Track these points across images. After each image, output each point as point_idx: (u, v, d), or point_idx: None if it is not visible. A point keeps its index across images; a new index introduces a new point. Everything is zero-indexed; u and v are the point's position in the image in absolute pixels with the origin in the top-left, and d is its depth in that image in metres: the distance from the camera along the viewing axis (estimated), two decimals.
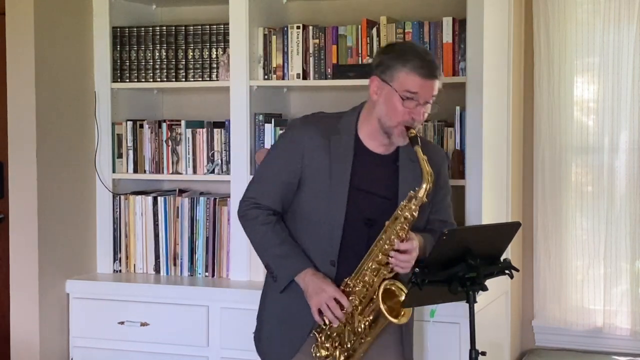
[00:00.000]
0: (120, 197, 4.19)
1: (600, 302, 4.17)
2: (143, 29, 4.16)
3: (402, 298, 2.79)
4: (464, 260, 2.71)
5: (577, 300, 4.21)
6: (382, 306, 2.74)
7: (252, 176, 3.12)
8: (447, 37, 3.73)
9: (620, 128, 4.10)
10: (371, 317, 2.81)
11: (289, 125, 2.95)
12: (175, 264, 4.14)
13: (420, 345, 3.54)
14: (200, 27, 4.08)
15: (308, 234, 2.89)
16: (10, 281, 3.96)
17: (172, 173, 4.14)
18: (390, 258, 2.77)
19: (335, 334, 2.83)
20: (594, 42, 4.11)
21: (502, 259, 2.82)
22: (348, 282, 2.82)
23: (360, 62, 3.83)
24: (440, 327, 3.48)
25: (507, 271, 2.81)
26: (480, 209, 3.60)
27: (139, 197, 4.18)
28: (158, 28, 4.15)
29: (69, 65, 4.04)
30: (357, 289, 2.80)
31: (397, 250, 2.76)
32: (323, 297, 2.78)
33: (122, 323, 3.95)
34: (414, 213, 2.75)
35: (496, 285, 3.06)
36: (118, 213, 4.19)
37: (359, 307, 2.81)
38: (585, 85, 4.17)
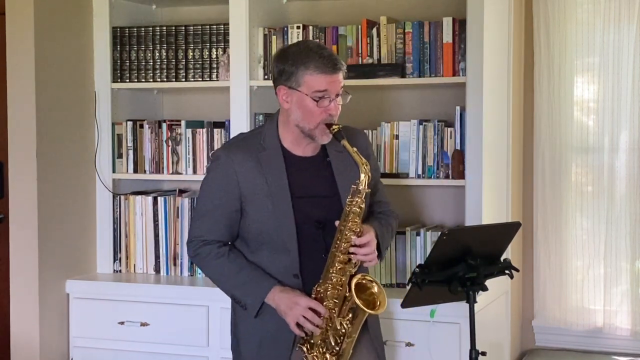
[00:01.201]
0: (120, 197, 4.19)
1: (600, 302, 4.17)
2: (143, 29, 4.16)
3: (375, 289, 2.80)
4: (464, 260, 2.72)
5: (577, 300, 4.21)
6: (357, 301, 2.74)
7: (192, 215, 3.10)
8: (447, 37, 3.73)
9: (620, 128, 4.10)
10: (350, 315, 2.81)
11: (214, 156, 2.94)
12: (175, 264, 4.14)
13: (420, 345, 3.54)
14: (200, 27, 4.08)
15: (264, 254, 2.88)
16: (10, 281, 3.96)
17: (172, 173, 4.14)
18: (351, 255, 2.77)
19: (320, 341, 2.83)
20: (594, 42, 4.11)
21: (502, 259, 2.83)
22: (318, 288, 2.82)
23: (360, 62, 3.84)
24: (440, 327, 3.48)
25: (507, 271, 2.82)
26: (480, 209, 3.60)
27: (139, 197, 4.18)
28: (158, 28, 4.15)
29: (69, 65, 4.04)
30: (328, 292, 2.80)
31: (356, 246, 2.77)
32: (298, 310, 2.78)
33: (122, 323, 3.95)
34: (361, 205, 2.76)
35: (496, 285, 3.06)
36: (118, 213, 4.19)
37: (336, 309, 2.81)
38: (585, 85, 4.17)
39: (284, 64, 2.81)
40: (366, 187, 2.76)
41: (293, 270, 2.86)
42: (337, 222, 2.78)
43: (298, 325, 2.79)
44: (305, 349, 2.84)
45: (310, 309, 2.78)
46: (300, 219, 2.85)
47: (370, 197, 2.96)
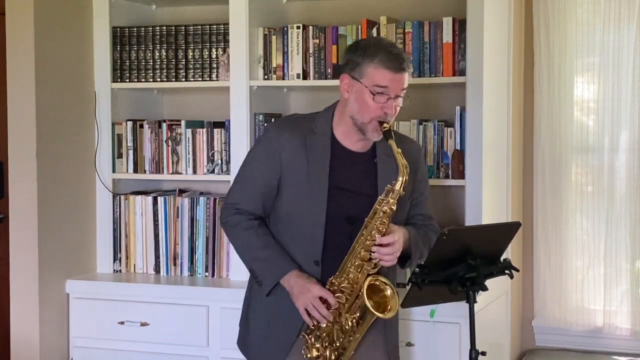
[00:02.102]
0: (120, 197, 4.19)
1: (600, 302, 4.17)
2: (143, 29, 4.16)
3: (388, 292, 2.80)
4: (464, 260, 2.71)
5: (577, 300, 4.21)
6: (367, 302, 2.74)
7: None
8: (447, 37, 3.73)
9: (620, 128, 4.10)
10: (358, 314, 2.82)
11: (265, 129, 2.97)
12: (175, 264, 4.14)
13: (421, 345, 3.54)
14: (200, 27, 4.08)
15: (290, 235, 2.90)
16: (10, 281, 3.96)
17: (172, 173, 4.14)
18: (372, 253, 2.77)
19: (324, 334, 2.84)
20: (594, 42, 4.11)
21: (502, 259, 2.83)
22: (333, 280, 2.82)
23: None
24: (440, 327, 3.48)
25: (507, 271, 2.81)
26: (480, 209, 3.60)
27: (139, 197, 4.18)
28: (158, 28, 4.15)
29: (69, 65, 4.04)
30: (342, 286, 2.81)
31: (379, 245, 2.76)
32: (308, 297, 2.79)
33: (122, 323, 3.95)
34: (392, 207, 2.76)
35: (496, 285, 3.06)
36: (118, 213, 4.19)
37: (346, 305, 2.81)
38: (585, 85, 4.17)
39: (353, 54, 2.82)
40: (401, 189, 2.75)
41: (314, 257, 2.86)
42: (366, 218, 2.78)
43: (307, 313, 2.80)
44: (308, 338, 2.84)
45: (321, 298, 2.78)
46: (332, 209, 2.85)
47: (412, 208, 2.99)
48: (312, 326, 2.84)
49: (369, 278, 2.79)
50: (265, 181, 2.90)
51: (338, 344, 2.83)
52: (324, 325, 2.81)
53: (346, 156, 2.90)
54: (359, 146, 2.90)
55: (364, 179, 2.90)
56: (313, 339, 2.85)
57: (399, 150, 2.76)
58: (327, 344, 2.84)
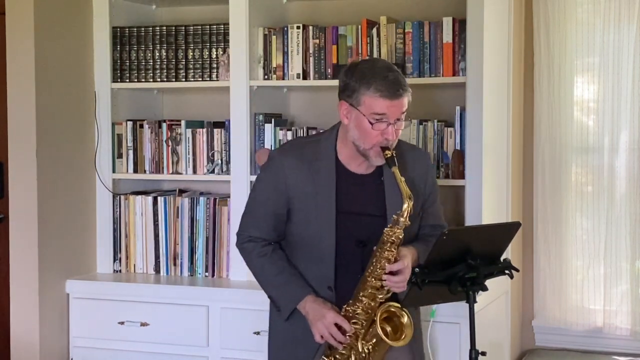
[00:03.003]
0: (120, 197, 4.19)
1: (600, 302, 4.17)
2: (143, 29, 4.16)
3: (404, 319, 2.80)
4: (464, 260, 2.71)
5: (577, 300, 4.21)
6: (380, 332, 2.75)
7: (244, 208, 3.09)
8: (447, 37, 3.73)
9: (620, 128, 4.10)
10: (373, 341, 2.81)
11: (269, 157, 2.96)
12: (175, 264, 4.14)
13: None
14: (200, 27, 4.08)
15: (303, 259, 2.91)
16: (10, 281, 3.96)
17: (172, 173, 4.14)
18: (384, 281, 2.77)
19: (344, 358, 2.83)
20: (594, 42, 4.11)
21: (502, 259, 2.83)
22: (347, 308, 2.82)
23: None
24: (440, 327, 3.48)
25: (507, 271, 2.81)
26: (480, 209, 3.60)
27: (139, 197, 4.18)
28: (158, 28, 4.15)
29: (69, 65, 4.04)
30: (357, 313, 2.80)
31: (389, 273, 2.76)
32: (324, 323, 2.80)
33: (122, 323, 3.95)
34: (399, 237, 2.75)
35: (496, 285, 3.06)
36: (118, 213, 4.19)
37: (362, 332, 2.81)
38: (585, 85, 4.17)
39: (349, 79, 2.78)
40: (407, 219, 2.74)
41: (328, 282, 2.87)
42: (374, 248, 2.78)
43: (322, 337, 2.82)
44: None
45: (336, 325, 2.79)
46: (341, 234, 2.85)
47: (425, 219, 2.98)
48: (329, 350, 2.85)
49: (384, 306, 2.79)
50: (273, 208, 2.91)
51: None
52: (341, 349, 2.82)
53: (352, 179, 2.88)
54: (364, 168, 2.89)
55: (372, 201, 2.89)
56: None
57: (402, 178, 2.74)
58: None
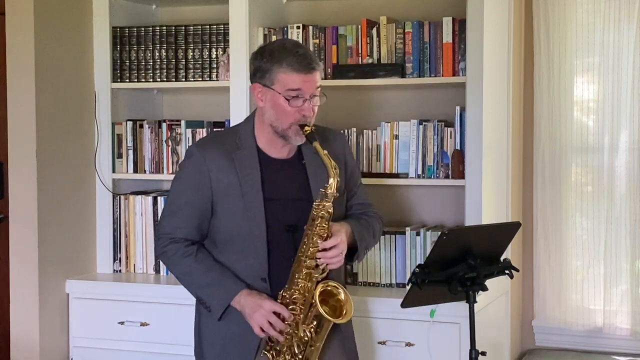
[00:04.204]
0: (120, 197, 4.19)
1: (600, 302, 4.17)
2: (143, 29, 4.16)
3: (342, 296, 2.77)
4: (464, 260, 2.72)
5: (577, 300, 4.21)
6: (321, 310, 2.71)
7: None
8: (447, 37, 3.73)
9: (620, 128, 4.10)
10: (314, 323, 2.78)
11: (188, 153, 2.92)
12: None
13: (420, 345, 3.54)
14: (200, 27, 4.08)
15: (233, 254, 2.86)
16: (10, 281, 3.96)
17: (172, 173, 4.14)
18: (318, 260, 2.74)
19: (285, 348, 2.80)
20: (594, 42, 4.11)
21: (502, 259, 2.83)
22: (283, 294, 2.79)
23: (360, 62, 3.83)
24: (440, 327, 3.48)
25: (507, 271, 2.82)
26: (480, 209, 3.60)
27: (139, 197, 4.18)
28: (158, 28, 4.15)
29: (69, 65, 4.04)
30: (294, 297, 2.77)
31: (323, 249, 2.73)
32: (262, 314, 2.75)
33: (122, 323, 3.95)
34: (329, 210, 2.73)
35: (496, 285, 3.06)
36: (118, 213, 4.19)
37: (301, 316, 2.77)
38: (585, 85, 4.17)
39: (259, 62, 2.78)
40: (334, 191, 2.72)
41: (261, 274, 2.83)
42: (305, 227, 2.76)
43: (262, 330, 2.77)
44: (270, 355, 2.82)
45: (275, 313, 2.75)
46: (271, 221, 2.82)
47: (349, 199, 2.96)
48: (270, 342, 2.81)
49: (320, 285, 2.76)
50: (197, 205, 2.85)
51: (301, 356, 2.80)
52: (282, 340, 2.78)
53: (274, 165, 2.87)
54: (285, 152, 2.88)
55: (297, 185, 2.87)
56: (274, 354, 2.82)
57: (325, 152, 2.73)
58: (289, 357, 2.80)
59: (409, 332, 3.56)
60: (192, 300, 3.88)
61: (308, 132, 2.74)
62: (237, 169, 2.82)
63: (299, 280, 2.76)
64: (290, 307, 2.76)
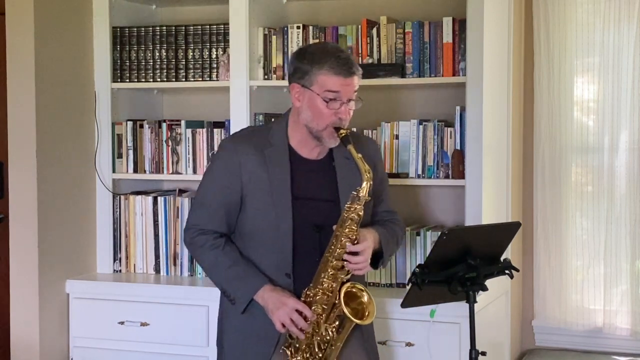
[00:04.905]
0: (120, 197, 4.19)
1: (600, 302, 4.17)
2: (143, 29, 4.16)
3: (365, 298, 2.79)
4: (464, 260, 2.71)
5: (577, 300, 4.21)
6: (345, 310, 2.73)
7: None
8: (447, 37, 3.73)
9: (620, 128, 4.10)
10: (337, 323, 2.80)
11: (221, 146, 2.95)
12: (175, 264, 4.14)
13: (420, 345, 3.54)
14: (200, 27, 4.08)
15: (259, 250, 2.88)
16: (10, 281, 3.96)
17: (172, 173, 4.14)
18: (345, 262, 2.76)
19: (304, 346, 2.82)
20: (594, 42, 4.11)
21: (502, 259, 2.83)
22: (307, 292, 2.81)
23: (360, 62, 3.83)
24: (440, 327, 3.48)
25: (507, 271, 2.82)
26: (480, 209, 3.60)
27: (139, 197, 4.18)
28: (158, 28, 4.15)
29: (69, 65, 4.04)
30: (317, 297, 2.79)
31: (350, 253, 2.75)
32: (285, 311, 2.77)
33: (122, 323, 3.95)
34: (359, 213, 2.75)
35: (496, 285, 3.06)
36: (118, 213, 4.19)
37: (323, 315, 2.79)
38: (585, 85, 4.17)
39: (300, 62, 2.80)
40: (367, 194, 2.74)
41: (285, 269, 2.85)
42: (334, 227, 2.77)
43: (284, 326, 2.79)
44: (289, 352, 2.83)
45: (298, 311, 2.77)
46: (297, 219, 2.84)
47: (376, 206, 2.97)
48: (290, 339, 2.83)
49: (345, 286, 2.77)
50: (227, 198, 2.87)
51: (320, 355, 2.82)
52: (302, 338, 2.80)
53: (304, 165, 2.88)
54: (315, 153, 2.89)
55: (325, 186, 2.89)
56: (293, 351, 2.83)
57: (359, 155, 2.75)
58: (308, 355, 2.82)
59: (409, 332, 3.56)
60: (192, 300, 3.90)
61: (343, 135, 2.76)
62: (268, 165, 2.85)
63: (324, 280, 2.79)
64: (313, 306, 2.79)
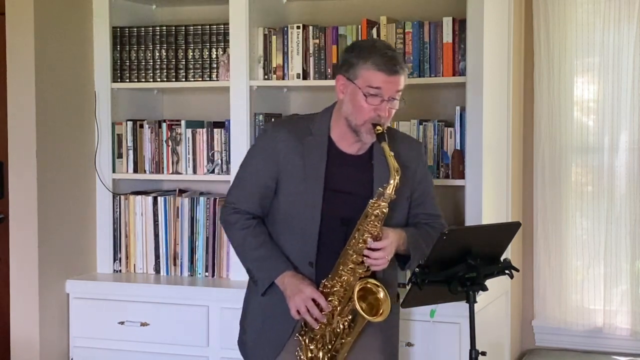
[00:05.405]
0: (120, 197, 4.19)
1: (600, 302, 4.17)
2: (143, 29, 4.16)
3: (381, 295, 2.80)
4: (464, 260, 2.71)
5: (577, 300, 4.21)
6: (357, 306, 2.75)
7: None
8: (447, 37, 3.73)
9: (620, 128, 4.10)
10: (350, 317, 2.82)
11: (262, 129, 2.99)
12: (175, 264, 4.14)
13: (420, 345, 3.54)
14: (200, 27, 4.08)
15: (286, 235, 2.91)
16: (10, 281, 3.96)
17: (172, 173, 4.14)
18: (364, 257, 2.77)
19: (318, 336, 2.85)
20: (594, 42, 4.11)
21: (502, 259, 2.83)
22: (325, 283, 2.83)
23: None
24: (440, 327, 3.48)
25: (507, 271, 2.81)
26: (480, 209, 3.60)
27: (139, 197, 4.18)
28: (158, 28, 4.15)
29: (69, 65, 4.04)
30: (335, 289, 2.81)
31: (370, 249, 2.76)
32: (301, 298, 2.80)
33: (122, 323, 3.95)
34: (383, 210, 2.75)
35: (496, 285, 3.06)
36: (118, 213, 4.19)
37: (338, 308, 2.82)
38: (585, 85, 4.17)
39: (348, 55, 2.82)
40: (392, 192, 2.74)
41: (309, 258, 2.87)
42: (358, 221, 2.79)
43: (299, 313, 2.81)
44: (302, 340, 2.85)
45: (314, 300, 2.79)
46: (327, 211, 2.86)
47: (414, 208, 2.98)
48: (305, 328, 2.85)
49: (361, 282, 2.79)
50: (262, 181, 2.91)
51: (330, 346, 2.84)
52: (316, 327, 2.82)
53: (342, 158, 2.89)
54: (355, 148, 2.90)
55: (360, 181, 2.89)
56: (307, 341, 2.86)
57: (392, 153, 2.75)
58: (320, 346, 2.84)
59: (409, 332, 3.56)
60: (192, 300, 3.90)
61: (379, 131, 2.77)
62: (305, 153, 2.87)
63: (343, 272, 2.80)
64: (330, 297, 2.81)
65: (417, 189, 2.98)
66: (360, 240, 2.77)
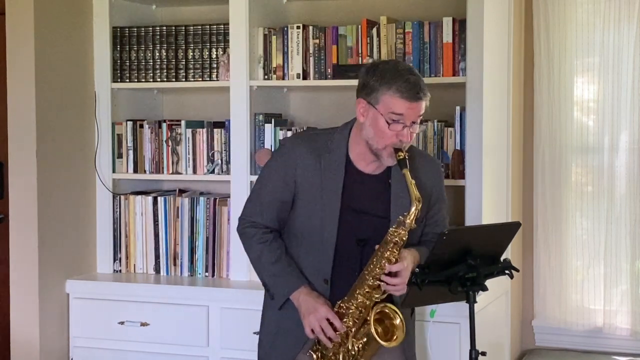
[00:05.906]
0: (120, 197, 4.19)
1: (600, 302, 4.17)
2: (143, 29, 4.16)
3: (397, 321, 2.80)
4: (464, 260, 2.71)
5: (577, 300, 4.21)
6: (373, 331, 2.75)
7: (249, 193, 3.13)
8: (447, 37, 3.73)
9: (620, 128, 4.10)
10: (364, 340, 2.82)
11: (281, 143, 2.97)
12: (175, 264, 4.14)
13: (420, 345, 3.54)
14: (200, 27, 4.08)
15: (302, 251, 2.91)
16: (10, 281, 3.96)
17: (172, 173, 4.14)
18: (381, 282, 2.76)
19: (331, 354, 2.84)
20: (594, 42, 4.11)
21: (502, 259, 2.83)
22: (341, 304, 2.83)
23: (360, 62, 3.83)
24: (440, 327, 3.48)
25: (507, 271, 2.81)
26: (480, 209, 3.60)
27: (139, 197, 4.18)
28: (158, 28, 4.15)
29: (69, 65, 4.04)
30: (350, 311, 2.81)
31: (388, 273, 2.75)
32: (316, 317, 2.80)
33: (122, 323, 3.95)
34: (403, 238, 2.75)
35: (496, 285, 3.06)
36: (118, 213, 4.19)
37: (353, 329, 2.81)
38: (585, 85, 4.17)
39: (369, 78, 2.78)
40: (413, 222, 2.74)
41: (324, 275, 2.87)
42: (377, 246, 2.78)
43: (313, 332, 2.82)
44: (315, 356, 2.86)
45: (328, 320, 2.79)
46: (342, 229, 2.85)
47: (428, 226, 2.97)
48: (318, 345, 2.86)
49: (378, 306, 2.79)
50: (279, 196, 2.91)
51: None
52: (330, 346, 2.83)
53: (359, 177, 2.88)
54: (372, 168, 2.89)
55: (377, 201, 2.88)
56: (319, 356, 2.86)
57: (413, 181, 2.74)
58: None
59: None
60: (192, 300, 3.90)
61: (401, 157, 2.75)
62: (322, 171, 2.86)
63: (359, 295, 2.80)
64: (345, 319, 2.81)
65: (432, 208, 2.97)
66: (378, 266, 2.76)
